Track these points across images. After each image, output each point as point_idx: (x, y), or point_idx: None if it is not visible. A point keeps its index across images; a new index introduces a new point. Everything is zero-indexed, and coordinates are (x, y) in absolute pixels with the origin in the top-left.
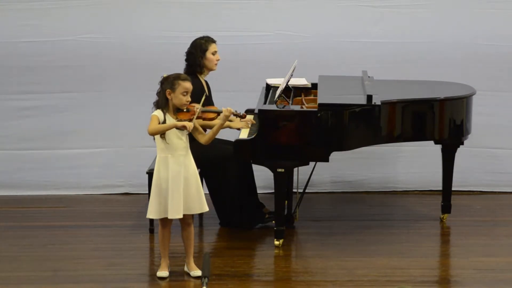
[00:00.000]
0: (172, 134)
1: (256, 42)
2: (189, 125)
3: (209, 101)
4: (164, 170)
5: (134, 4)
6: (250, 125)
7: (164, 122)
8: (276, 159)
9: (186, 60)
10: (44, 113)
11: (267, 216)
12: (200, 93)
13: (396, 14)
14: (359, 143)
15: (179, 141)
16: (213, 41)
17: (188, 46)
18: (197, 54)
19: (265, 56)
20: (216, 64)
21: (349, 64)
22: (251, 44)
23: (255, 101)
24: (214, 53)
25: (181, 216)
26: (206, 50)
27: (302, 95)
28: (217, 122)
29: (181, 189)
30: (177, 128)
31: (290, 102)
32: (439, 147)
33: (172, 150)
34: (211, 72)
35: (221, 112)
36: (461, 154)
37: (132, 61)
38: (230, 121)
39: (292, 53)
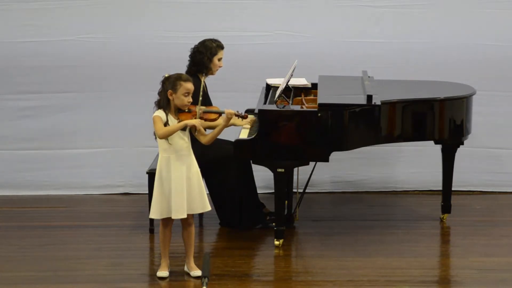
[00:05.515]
0: (175, 135)
1: (256, 42)
2: (198, 123)
3: (206, 101)
4: (167, 170)
5: (135, 4)
6: (252, 124)
7: (167, 122)
8: (276, 159)
9: (191, 57)
10: (44, 113)
11: (268, 218)
12: (199, 93)
13: (396, 14)
14: (359, 143)
15: (182, 142)
16: (223, 48)
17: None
18: (206, 56)
19: (265, 56)
20: (217, 70)
21: (349, 64)
22: (251, 44)
23: (255, 101)
24: (219, 60)
25: (185, 216)
26: (215, 54)
27: (302, 95)
28: (219, 122)
29: (185, 189)
30: (185, 128)
31: (290, 102)
32: (439, 147)
33: (175, 150)
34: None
35: (223, 112)
36: (461, 154)
37: (132, 61)
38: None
39: (292, 53)
